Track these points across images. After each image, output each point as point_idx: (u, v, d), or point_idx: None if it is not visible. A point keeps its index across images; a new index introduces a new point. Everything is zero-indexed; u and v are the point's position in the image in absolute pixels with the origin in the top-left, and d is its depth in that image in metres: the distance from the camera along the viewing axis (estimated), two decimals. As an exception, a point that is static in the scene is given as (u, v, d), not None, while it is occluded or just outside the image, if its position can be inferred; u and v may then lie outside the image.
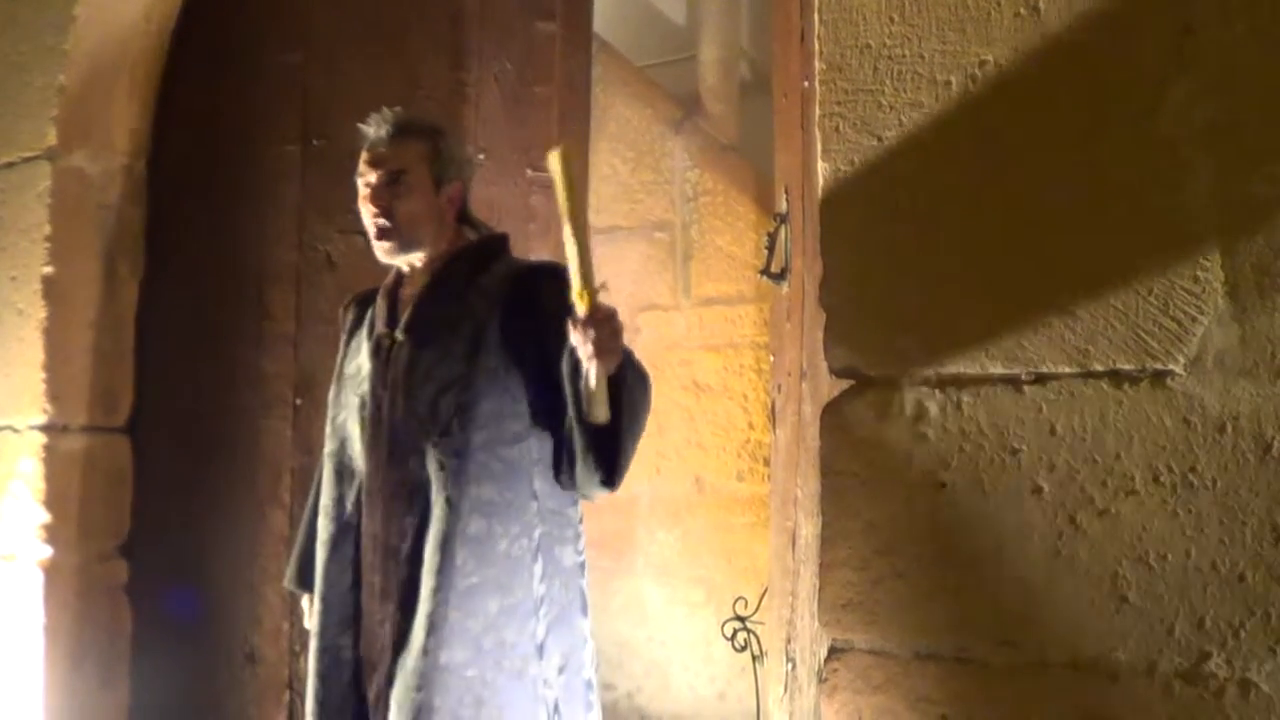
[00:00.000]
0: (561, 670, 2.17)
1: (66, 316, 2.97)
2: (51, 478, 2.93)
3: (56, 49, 2.97)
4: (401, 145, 2.22)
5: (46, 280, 2.94)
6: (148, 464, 3.14)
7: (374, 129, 2.23)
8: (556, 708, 2.15)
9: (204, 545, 3.07)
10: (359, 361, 2.28)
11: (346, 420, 2.27)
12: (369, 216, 2.22)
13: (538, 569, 2.15)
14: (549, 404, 2.14)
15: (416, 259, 2.25)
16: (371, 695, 2.14)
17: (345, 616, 2.20)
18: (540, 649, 2.14)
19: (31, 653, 2.89)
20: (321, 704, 2.19)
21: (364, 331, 2.30)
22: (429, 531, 2.11)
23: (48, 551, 2.90)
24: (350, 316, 2.39)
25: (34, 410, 2.93)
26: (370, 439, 2.21)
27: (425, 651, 2.06)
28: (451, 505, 2.10)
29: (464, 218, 2.32)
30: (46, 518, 2.91)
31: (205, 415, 3.11)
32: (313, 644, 2.23)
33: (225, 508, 3.06)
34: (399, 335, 2.22)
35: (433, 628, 2.07)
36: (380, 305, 2.29)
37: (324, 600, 2.23)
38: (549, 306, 2.09)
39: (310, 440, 2.97)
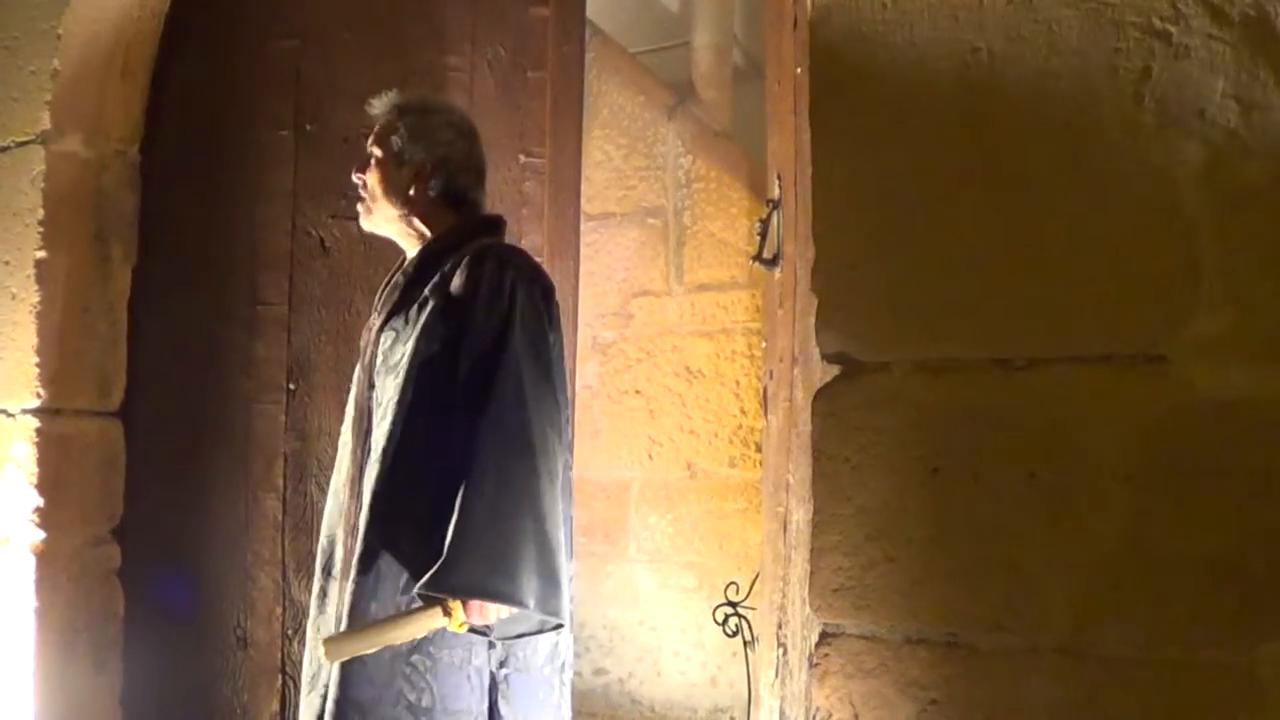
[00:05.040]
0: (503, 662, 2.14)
1: (60, 301, 2.96)
2: (45, 461, 2.92)
3: (49, 33, 2.95)
4: (378, 122, 2.33)
5: (40, 264, 2.93)
6: (141, 448, 3.13)
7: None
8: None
9: (197, 530, 3.07)
10: None
11: None
12: None
13: None
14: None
15: (393, 235, 2.32)
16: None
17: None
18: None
19: (24, 636, 2.89)
20: None
21: None
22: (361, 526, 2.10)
23: (40, 535, 2.90)
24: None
25: (27, 394, 2.92)
26: (353, 428, 2.25)
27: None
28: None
29: (454, 199, 2.29)
30: (39, 501, 2.90)
31: (198, 400, 3.11)
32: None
33: (218, 492, 3.06)
34: (374, 320, 2.27)
35: (341, 619, 2.09)
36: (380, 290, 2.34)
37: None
38: (464, 293, 2.11)
39: (304, 425, 2.97)
